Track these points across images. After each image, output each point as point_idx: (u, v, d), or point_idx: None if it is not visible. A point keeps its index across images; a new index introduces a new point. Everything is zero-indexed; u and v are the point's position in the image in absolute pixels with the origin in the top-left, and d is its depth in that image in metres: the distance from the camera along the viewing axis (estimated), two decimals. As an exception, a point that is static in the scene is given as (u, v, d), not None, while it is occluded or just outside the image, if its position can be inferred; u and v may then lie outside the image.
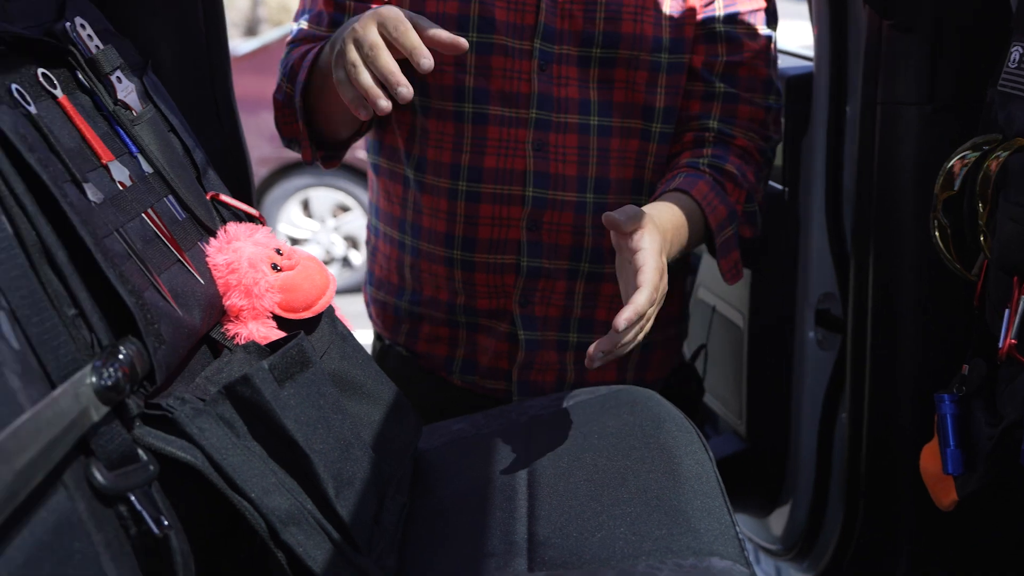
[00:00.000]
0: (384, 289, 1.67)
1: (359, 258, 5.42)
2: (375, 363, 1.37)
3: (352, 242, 5.44)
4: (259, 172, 5.30)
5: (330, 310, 1.37)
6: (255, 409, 1.06)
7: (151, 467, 0.97)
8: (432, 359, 1.64)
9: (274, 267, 1.25)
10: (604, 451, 1.25)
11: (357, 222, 5.37)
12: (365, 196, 5.33)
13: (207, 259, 1.22)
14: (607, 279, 1.54)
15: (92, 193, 1.05)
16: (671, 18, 1.50)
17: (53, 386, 0.91)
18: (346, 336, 1.36)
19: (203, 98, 1.56)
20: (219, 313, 1.22)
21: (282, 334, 1.23)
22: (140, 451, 0.97)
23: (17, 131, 0.97)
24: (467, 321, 1.59)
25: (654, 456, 1.21)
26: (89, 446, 0.92)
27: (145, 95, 1.28)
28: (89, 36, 1.18)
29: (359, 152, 5.13)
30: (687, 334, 1.82)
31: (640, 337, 1.21)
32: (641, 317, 1.17)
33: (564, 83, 1.49)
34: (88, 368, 0.93)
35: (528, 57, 1.48)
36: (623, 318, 1.13)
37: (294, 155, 5.35)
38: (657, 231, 1.23)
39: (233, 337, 1.22)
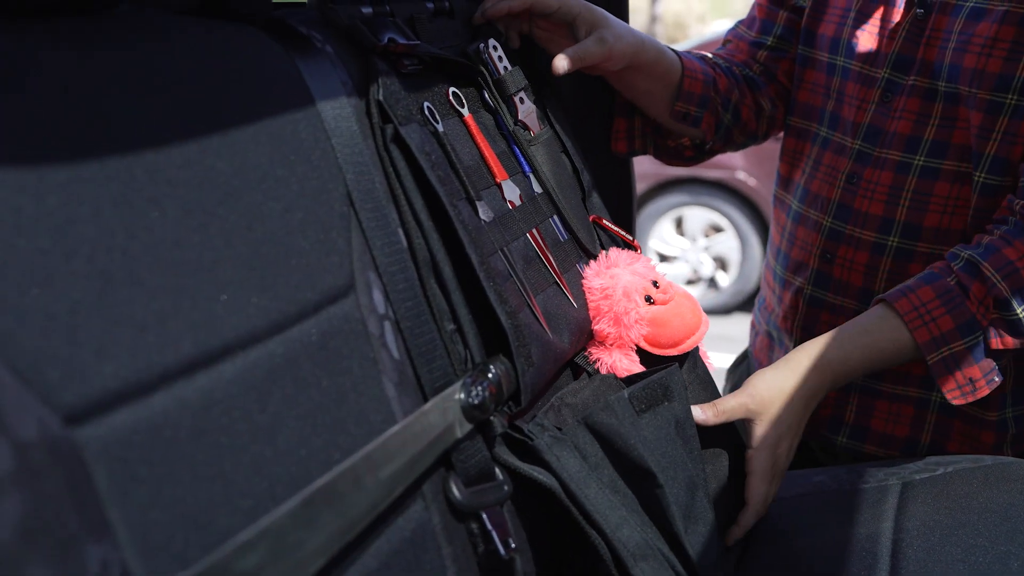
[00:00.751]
0: None
1: (726, 280, 5.33)
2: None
3: (721, 263, 5.36)
4: (637, 187, 5.36)
5: (695, 351, 1.33)
6: (612, 438, 1.05)
7: (505, 487, 0.98)
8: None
9: (647, 299, 1.23)
10: (984, 531, 1.12)
11: (728, 243, 5.29)
12: (739, 217, 5.26)
13: (583, 281, 1.23)
14: None
15: (483, 212, 1.08)
16: None
17: (425, 398, 0.95)
18: (705, 382, 1.33)
19: (597, 121, 1.58)
20: (587, 337, 1.23)
21: (641, 368, 1.21)
22: (497, 470, 0.99)
23: (423, 149, 1.01)
24: (772, 333, 1.61)
25: (1042, 547, 1.07)
26: (450, 460, 0.95)
27: (544, 116, 1.31)
28: (499, 57, 1.23)
29: (738, 173, 5.13)
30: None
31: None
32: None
33: (900, 116, 1.38)
34: (458, 384, 0.96)
35: (873, 85, 1.40)
36: (731, 538, 1.21)
37: (672, 172, 5.35)
38: (763, 427, 1.21)
39: (595, 363, 1.23)
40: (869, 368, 1.26)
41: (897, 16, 1.40)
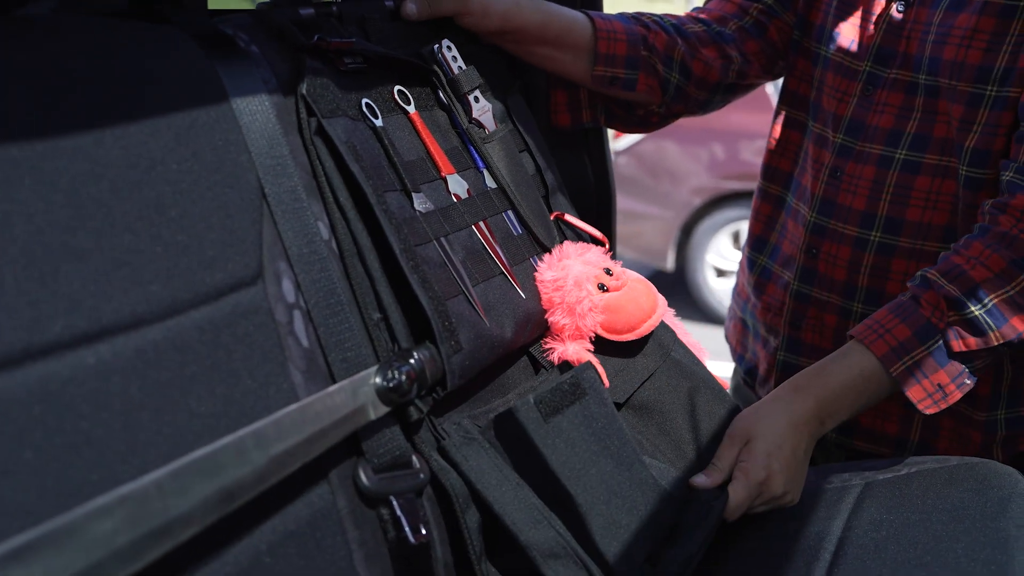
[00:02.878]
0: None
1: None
2: (718, 394, 1.32)
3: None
4: (693, 202, 5.33)
5: (667, 335, 1.33)
6: (521, 442, 1.06)
7: (422, 475, 0.99)
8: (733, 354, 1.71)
9: (601, 287, 1.24)
10: (930, 529, 1.10)
11: (786, 258, 5.21)
12: (798, 231, 5.18)
13: (536, 274, 1.24)
14: None
15: (420, 203, 1.10)
16: (1014, 44, 1.27)
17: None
18: (681, 363, 1.32)
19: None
20: (539, 328, 1.24)
21: (592, 358, 1.22)
22: (415, 458, 1.00)
23: (348, 142, 1.04)
24: (747, 321, 1.61)
25: (984, 544, 1.05)
26: (361, 448, 0.97)
27: (505, 115, 1.33)
28: (454, 58, 1.25)
29: (796, 186, 5.06)
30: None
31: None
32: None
33: (881, 110, 1.36)
34: (374, 368, 0.98)
35: (855, 78, 1.39)
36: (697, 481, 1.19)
37: (729, 186, 5.29)
38: (753, 445, 1.19)
39: (546, 352, 1.24)
40: (854, 401, 1.23)
41: (878, 8, 1.39)
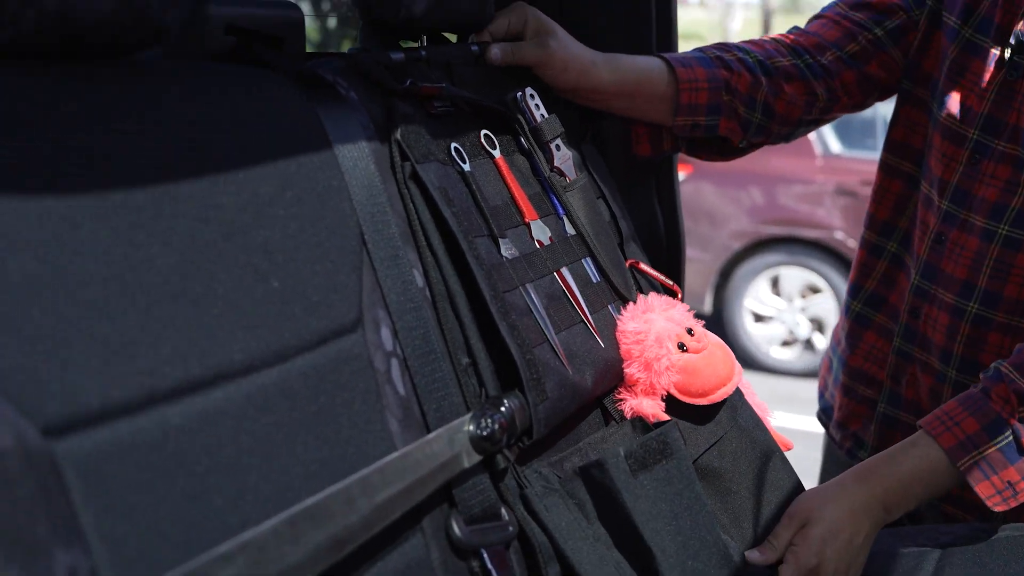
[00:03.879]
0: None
1: (823, 342, 5.22)
2: (782, 465, 1.31)
3: (818, 325, 5.26)
4: (732, 246, 5.33)
5: (736, 398, 1.32)
6: (606, 495, 1.05)
7: (510, 528, 0.99)
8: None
9: (680, 346, 1.23)
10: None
11: (826, 304, 5.19)
12: (837, 278, 5.17)
13: (618, 323, 1.24)
14: None
15: (506, 248, 1.11)
16: None
17: (430, 433, 0.97)
18: (748, 430, 1.31)
19: (642, 170, 1.60)
20: (616, 379, 1.23)
21: (666, 417, 1.21)
22: (503, 510, 1.00)
23: (440, 186, 1.04)
24: (834, 368, 1.59)
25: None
26: (452, 497, 0.96)
27: (581, 163, 1.33)
28: (536, 106, 1.26)
29: (837, 233, 5.05)
30: None
31: None
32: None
33: (987, 182, 1.34)
34: (468, 416, 0.98)
35: (963, 145, 1.36)
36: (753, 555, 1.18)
37: (769, 231, 5.28)
38: (809, 529, 1.17)
39: (618, 402, 1.23)
40: (921, 492, 1.20)
41: (988, 74, 1.35)
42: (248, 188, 0.86)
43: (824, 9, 1.54)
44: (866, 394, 1.52)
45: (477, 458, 0.97)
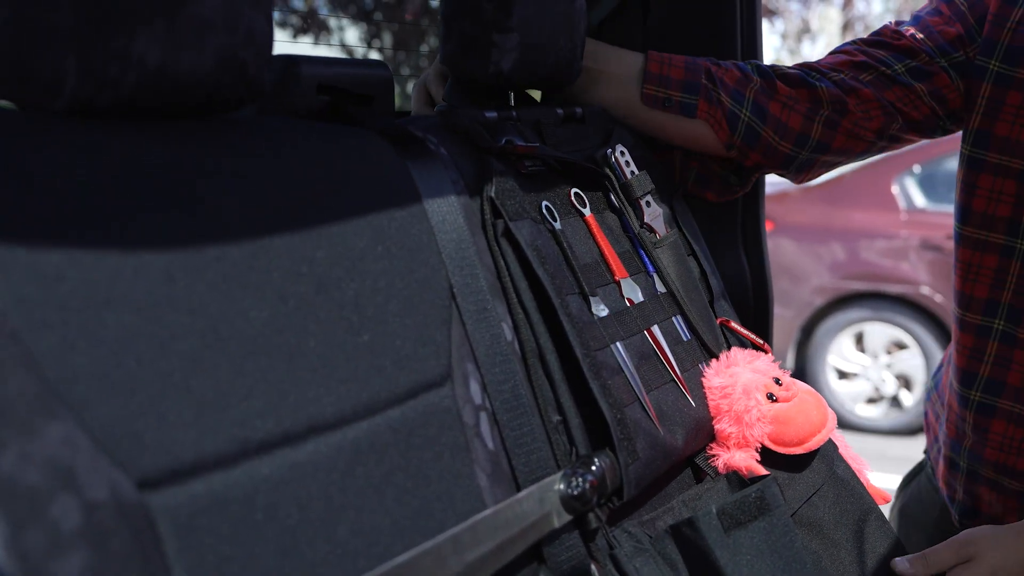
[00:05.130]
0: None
1: (910, 399, 5.09)
2: (880, 519, 1.26)
3: (905, 382, 5.13)
4: (814, 302, 5.24)
5: (831, 449, 1.29)
6: (699, 554, 1.02)
7: (602, 586, 0.97)
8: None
9: (769, 397, 1.21)
10: None
11: (913, 361, 5.06)
12: (923, 333, 5.04)
13: (703, 380, 1.22)
14: None
15: (597, 307, 1.10)
16: None
17: (519, 489, 0.96)
18: (846, 481, 1.27)
19: (730, 226, 1.58)
20: (707, 437, 1.21)
21: (761, 470, 1.18)
22: (593, 567, 0.98)
23: (533, 244, 1.04)
24: (968, 467, 1.44)
25: None
26: (542, 554, 0.94)
27: (671, 219, 1.32)
28: (627, 162, 1.26)
29: (923, 288, 4.94)
30: None
31: None
32: None
33: None
34: (559, 475, 0.96)
35: None
36: None
37: (851, 287, 5.19)
38: (978, 569, 1.13)
39: (714, 463, 1.20)
40: None
41: None
42: (340, 242, 0.86)
43: (840, 46, 1.47)
44: (1013, 487, 1.41)
45: (567, 517, 0.96)
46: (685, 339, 1.24)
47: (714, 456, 1.21)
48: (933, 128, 1.43)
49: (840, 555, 1.21)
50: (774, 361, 1.28)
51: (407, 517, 0.83)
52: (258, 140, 0.87)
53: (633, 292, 1.18)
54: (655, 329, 1.18)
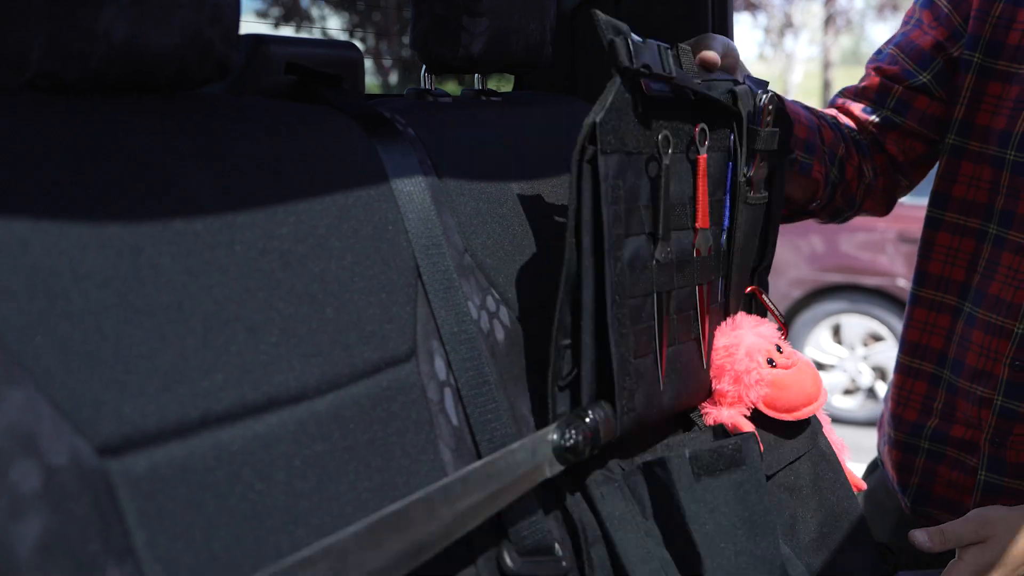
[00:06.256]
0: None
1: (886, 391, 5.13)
2: (852, 498, 1.29)
3: (881, 373, 5.17)
4: (792, 294, 5.27)
5: (818, 425, 1.31)
6: (665, 494, 1.05)
7: (563, 563, 0.98)
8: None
9: (770, 362, 1.23)
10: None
11: (889, 353, 5.10)
12: (899, 326, 5.07)
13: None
14: None
15: (662, 251, 1.08)
16: None
17: (481, 463, 0.97)
18: (827, 456, 1.29)
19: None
20: (705, 395, 1.22)
21: (750, 426, 1.19)
22: (557, 546, 1.00)
23: (614, 179, 1.00)
24: (930, 448, 1.48)
25: None
26: (506, 530, 0.96)
27: (768, 181, 1.29)
28: (770, 112, 1.21)
29: (899, 280, 4.98)
30: None
31: None
32: None
33: None
34: (553, 425, 0.99)
35: None
36: None
37: (829, 279, 5.20)
38: (990, 553, 1.13)
39: (704, 415, 1.22)
40: None
41: None
42: (307, 220, 0.87)
43: (833, 98, 1.59)
44: (968, 462, 1.45)
45: (559, 468, 0.98)
46: (719, 300, 1.23)
47: (706, 413, 1.22)
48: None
49: (805, 521, 1.23)
50: (777, 329, 1.29)
51: (369, 490, 0.84)
52: (226, 118, 0.88)
53: (704, 244, 1.15)
54: (705, 286, 1.17)
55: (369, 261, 0.92)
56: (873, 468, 1.73)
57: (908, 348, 1.52)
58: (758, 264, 1.32)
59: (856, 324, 5.20)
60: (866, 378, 5.18)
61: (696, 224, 1.13)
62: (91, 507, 0.63)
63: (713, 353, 1.21)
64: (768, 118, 1.21)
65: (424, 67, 1.23)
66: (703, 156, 1.13)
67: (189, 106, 0.86)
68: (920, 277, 1.50)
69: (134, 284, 0.72)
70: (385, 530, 0.76)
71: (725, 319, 1.26)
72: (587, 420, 0.99)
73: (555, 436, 0.98)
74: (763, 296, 1.33)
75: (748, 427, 1.20)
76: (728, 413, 1.20)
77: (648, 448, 1.14)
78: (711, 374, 1.21)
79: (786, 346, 1.26)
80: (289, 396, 0.80)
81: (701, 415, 1.22)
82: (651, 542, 1.04)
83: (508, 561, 0.94)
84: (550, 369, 1.01)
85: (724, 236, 1.21)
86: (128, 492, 0.67)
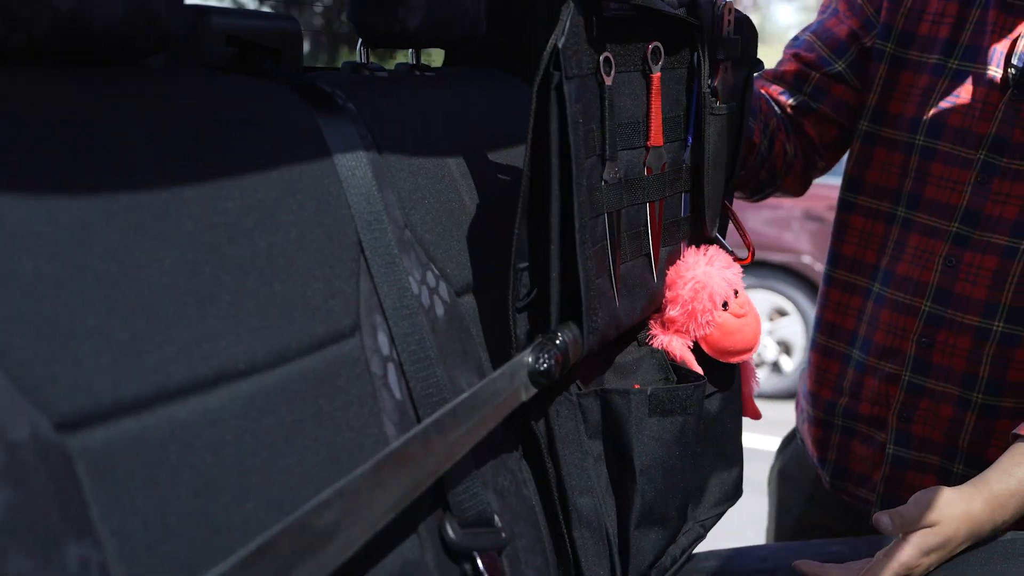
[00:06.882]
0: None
1: (790, 364, 5.28)
2: (739, 444, 1.38)
3: (785, 347, 5.31)
4: (700, 269, 5.36)
5: (739, 372, 1.36)
6: (617, 421, 1.11)
7: (503, 535, 1.01)
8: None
9: (724, 305, 1.25)
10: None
11: (793, 327, 5.25)
12: (804, 301, 5.22)
13: (679, 264, 1.24)
14: (1003, 414, 1.39)
15: (610, 172, 1.07)
16: None
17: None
18: (734, 400, 1.36)
19: None
20: (654, 311, 1.24)
21: (699, 369, 1.23)
22: (496, 518, 1.02)
23: (577, 104, 1.00)
24: (843, 425, 1.54)
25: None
26: (447, 501, 0.97)
27: (739, 91, 1.28)
28: (729, 22, 1.21)
29: (804, 257, 5.11)
30: None
31: None
32: None
33: (1002, 200, 1.36)
34: (528, 350, 1.01)
35: (968, 167, 1.38)
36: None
37: (737, 255, 5.33)
38: (935, 538, 1.16)
39: (650, 339, 1.24)
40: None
41: (991, 97, 1.37)
42: (251, 194, 0.87)
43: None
44: (877, 438, 1.51)
45: (533, 391, 1.01)
46: (682, 215, 1.24)
47: (653, 336, 1.24)
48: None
49: (705, 460, 1.30)
50: (740, 273, 1.30)
51: (317, 463, 0.85)
52: (170, 90, 0.87)
53: (656, 161, 1.15)
54: (656, 204, 1.17)
55: (313, 235, 0.92)
56: (785, 444, 1.79)
57: (824, 328, 1.57)
58: (732, 175, 1.33)
59: (762, 299, 5.31)
60: (771, 352, 5.31)
61: (648, 142, 1.13)
62: (51, 483, 0.63)
63: (679, 280, 1.23)
64: (729, 27, 1.22)
65: (360, 40, 1.22)
66: (656, 75, 1.13)
67: (132, 77, 0.85)
68: (834, 259, 1.55)
69: (82, 256, 0.72)
70: (389, 468, 0.82)
71: (705, 238, 1.28)
72: (558, 343, 1.01)
73: (529, 359, 1.00)
74: (737, 217, 1.36)
75: (698, 369, 1.23)
76: (679, 345, 1.23)
77: (608, 368, 1.18)
78: (666, 298, 1.23)
79: (743, 294, 1.29)
80: (238, 370, 0.80)
81: (648, 340, 1.24)
82: (590, 459, 1.10)
83: (451, 532, 0.96)
84: (510, 292, 1.03)
85: (687, 152, 1.21)
86: (85, 467, 0.67)
